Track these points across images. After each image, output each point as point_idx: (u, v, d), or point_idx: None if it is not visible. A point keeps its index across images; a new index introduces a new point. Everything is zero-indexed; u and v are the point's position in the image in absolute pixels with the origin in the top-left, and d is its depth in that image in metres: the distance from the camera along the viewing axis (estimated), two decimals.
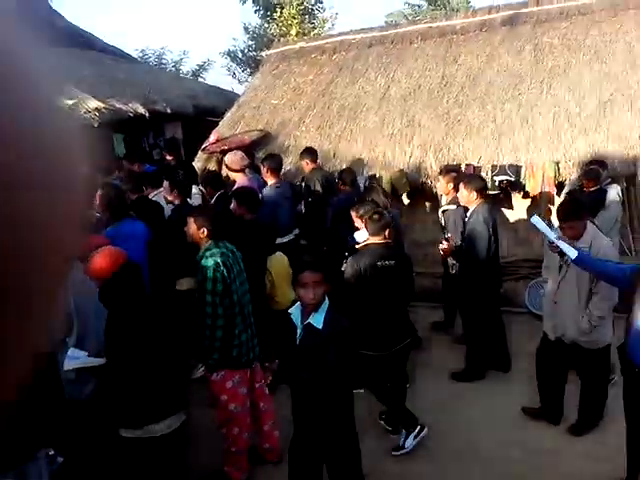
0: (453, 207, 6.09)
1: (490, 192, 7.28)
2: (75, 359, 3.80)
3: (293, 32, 15.57)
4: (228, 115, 10.21)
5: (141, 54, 18.31)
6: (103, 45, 13.98)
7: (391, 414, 4.85)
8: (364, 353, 4.60)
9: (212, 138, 9.65)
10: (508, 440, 4.64)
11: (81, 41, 13.34)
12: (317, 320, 3.39)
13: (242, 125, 9.76)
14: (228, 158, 7.03)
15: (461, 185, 5.67)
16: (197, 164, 9.28)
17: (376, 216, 4.67)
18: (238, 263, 4.23)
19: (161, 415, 3.53)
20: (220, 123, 10.14)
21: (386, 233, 4.65)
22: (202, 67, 19.83)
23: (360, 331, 4.62)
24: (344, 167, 7.78)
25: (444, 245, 5.66)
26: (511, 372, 5.66)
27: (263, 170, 6.88)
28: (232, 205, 5.58)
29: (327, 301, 3.47)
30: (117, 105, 10.06)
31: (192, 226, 4.19)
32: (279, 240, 5.97)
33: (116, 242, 4.30)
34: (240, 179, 6.70)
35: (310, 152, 7.43)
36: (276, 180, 6.62)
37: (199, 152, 9.50)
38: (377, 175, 7.80)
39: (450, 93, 8.48)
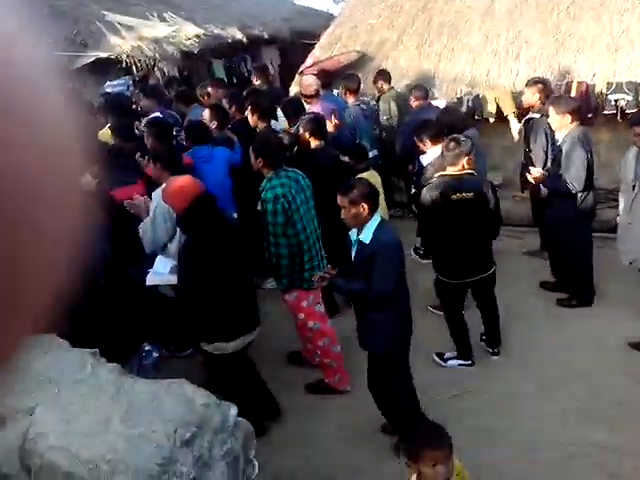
0: (537, 116, 5.81)
1: (605, 112, 6.87)
2: (159, 275, 4.01)
3: None
4: (324, 37, 10.02)
5: None
6: None
7: (490, 335, 4.89)
8: (441, 279, 4.67)
9: (309, 61, 9.58)
10: (615, 366, 4.56)
11: None
12: (365, 236, 3.56)
13: (339, 47, 9.57)
14: (300, 83, 7.03)
15: (551, 109, 5.29)
16: (294, 88, 9.28)
17: (452, 144, 4.42)
18: (303, 191, 4.23)
19: (233, 334, 3.76)
20: (316, 46, 10.00)
21: (464, 162, 4.42)
22: None
23: (437, 258, 4.69)
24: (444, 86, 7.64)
25: (535, 174, 5.35)
26: (616, 298, 5.44)
27: (341, 91, 6.99)
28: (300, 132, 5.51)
29: (377, 218, 3.61)
30: (215, 31, 10.14)
31: (252, 156, 4.28)
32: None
33: (196, 164, 4.87)
34: (313, 104, 6.61)
35: (383, 73, 7.52)
36: (354, 99, 6.66)
37: (297, 76, 9.46)
38: (480, 95, 7.53)
39: (561, 5, 7.85)
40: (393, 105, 7.30)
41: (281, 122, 6.51)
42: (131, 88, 8.39)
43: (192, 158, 5.07)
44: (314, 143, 5.26)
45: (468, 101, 7.63)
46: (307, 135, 5.28)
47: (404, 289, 3.73)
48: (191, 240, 3.65)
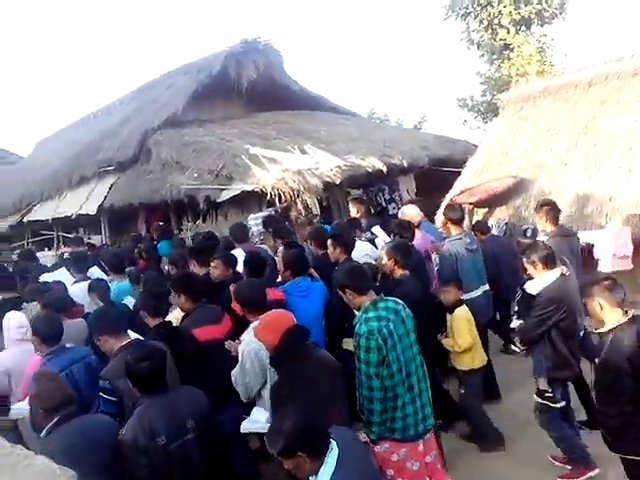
0: None
1: None
2: (254, 423, 3.72)
3: (532, 71, 14.55)
4: (471, 164, 9.55)
5: (369, 114, 18.79)
6: (333, 105, 14.35)
7: None
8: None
9: (457, 189, 9.04)
10: None
11: (314, 102, 13.81)
12: None
13: (489, 173, 9.00)
14: (404, 213, 6.52)
15: None
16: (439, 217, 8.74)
17: (609, 283, 3.64)
18: (404, 323, 3.70)
19: None
20: (463, 172, 9.51)
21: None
22: (423, 119, 19.82)
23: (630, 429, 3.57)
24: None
25: None
26: None
27: (443, 221, 6.56)
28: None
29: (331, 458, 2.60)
30: (356, 161, 9.94)
31: (339, 292, 3.83)
32: (464, 296, 5.34)
33: (291, 297, 4.59)
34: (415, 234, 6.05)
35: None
36: (458, 232, 5.93)
37: (444, 204, 8.91)
38: None
39: None
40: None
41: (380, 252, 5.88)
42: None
43: (287, 292, 4.75)
44: (398, 272, 4.77)
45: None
46: (391, 263, 4.79)
47: None
48: (284, 377, 3.34)
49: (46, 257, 10.24)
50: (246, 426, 3.77)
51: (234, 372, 3.86)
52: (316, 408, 3.12)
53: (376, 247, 6.16)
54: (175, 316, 4.62)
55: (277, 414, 3.06)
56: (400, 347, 3.67)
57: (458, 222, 6.00)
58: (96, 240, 10.57)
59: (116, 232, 11.23)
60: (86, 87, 52.12)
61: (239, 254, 5.79)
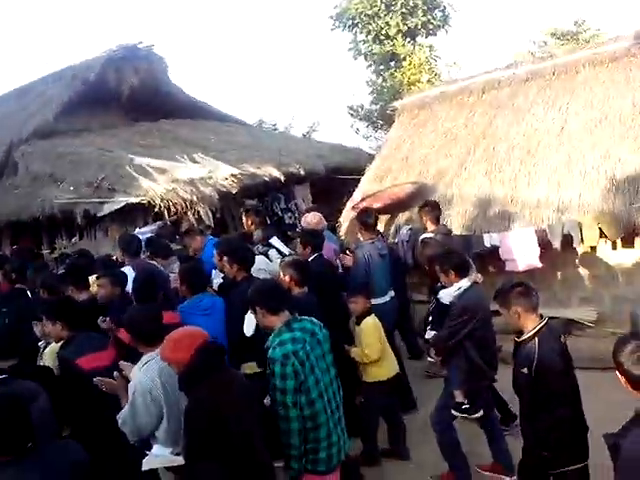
0: None
1: None
2: (158, 456, 3.33)
3: (424, 79, 14.76)
4: (371, 170, 9.27)
5: (258, 123, 18.34)
6: (221, 113, 13.70)
7: None
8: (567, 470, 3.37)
9: (358, 196, 8.72)
10: None
11: (201, 111, 13.08)
12: None
13: (390, 179, 8.76)
14: (306, 220, 6.33)
15: None
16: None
17: (530, 290, 3.52)
18: (320, 345, 3.47)
19: None
20: (363, 179, 9.21)
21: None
22: (311, 128, 19.70)
23: (558, 434, 3.36)
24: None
25: None
26: None
27: (357, 227, 6.27)
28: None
29: None
30: (251, 170, 9.36)
31: (250, 309, 3.60)
32: (373, 302, 5.15)
33: (192, 317, 4.18)
34: None
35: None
36: (369, 236, 5.80)
37: (346, 210, 8.58)
38: (576, 220, 6.50)
39: None
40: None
41: (274, 265, 5.47)
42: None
43: (186, 312, 4.34)
44: (296, 290, 4.55)
45: (563, 228, 6.58)
46: (287, 279, 4.56)
47: None
48: (197, 402, 2.89)
49: None
50: (149, 461, 3.32)
51: (122, 413, 3.36)
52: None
53: (270, 260, 5.67)
54: (50, 357, 3.97)
55: None
56: (318, 370, 3.35)
57: (371, 227, 5.83)
58: None
59: None
60: None
61: (129, 272, 5.05)
